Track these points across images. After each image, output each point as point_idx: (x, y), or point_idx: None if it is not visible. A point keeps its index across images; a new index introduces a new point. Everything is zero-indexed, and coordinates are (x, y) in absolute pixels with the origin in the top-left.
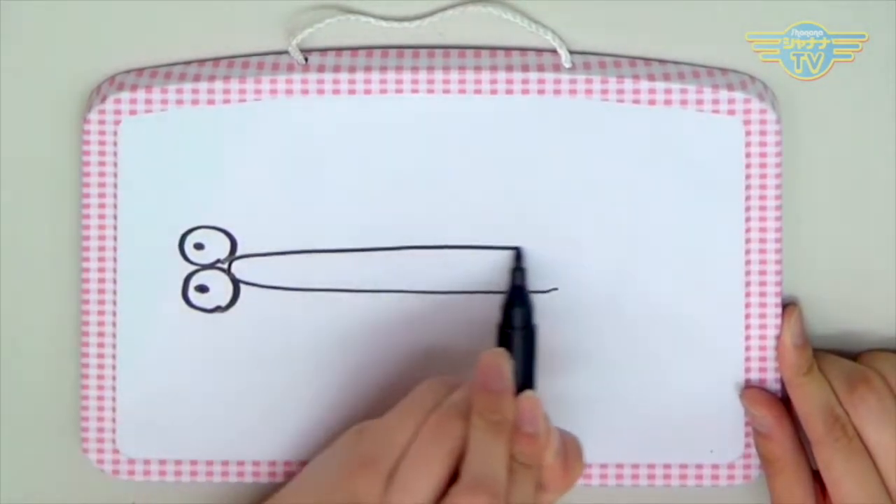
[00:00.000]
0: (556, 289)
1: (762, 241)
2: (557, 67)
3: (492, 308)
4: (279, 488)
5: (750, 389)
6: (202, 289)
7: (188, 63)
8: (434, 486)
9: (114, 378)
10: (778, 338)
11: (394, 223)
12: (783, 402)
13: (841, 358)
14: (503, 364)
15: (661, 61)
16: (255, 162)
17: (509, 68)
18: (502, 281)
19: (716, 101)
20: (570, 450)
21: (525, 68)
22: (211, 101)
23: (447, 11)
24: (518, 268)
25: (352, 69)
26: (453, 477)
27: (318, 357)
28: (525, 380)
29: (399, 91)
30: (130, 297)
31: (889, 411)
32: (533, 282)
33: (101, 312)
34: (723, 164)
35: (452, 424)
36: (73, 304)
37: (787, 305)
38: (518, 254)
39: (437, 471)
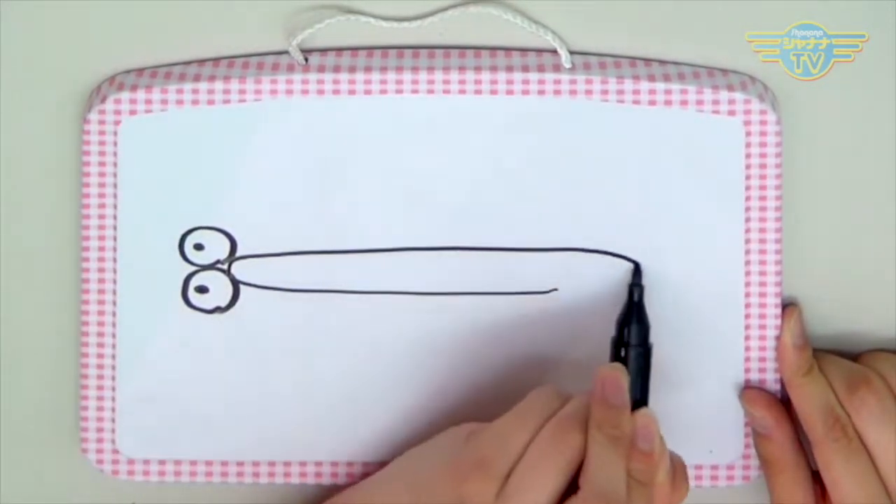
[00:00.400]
0: (555, 289)
1: (762, 241)
2: (557, 68)
3: (492, 310)
4: (279, 489)
5: (749, 390)
6: (202, 289)
7: (188, 63)
8: (551, 494)
9: (113, 378)
10: (778, 338)
11: (394, 224)
12: (783, 403)
13: (841, 358)
14: (622, 379)
15: (661, 62)
16: (255, 162)
17: (509, 69)
18: (504, 283)
19: (716, 102)
20: (678, 470)
21: (525, 69)
22: (211, 102)
23: (447, 12)
24: (636, 284)
25: (352, 69)
26: (567, 488)
27: (316, 358)
28: (639, 397)
29: (399, 91)
30: (130, 298)
31: (889, 412)
32: (532, 282)
33: (100, 313)
34: (723, 164)
35: (571, 435)
36: (73, 304)
37: (787, 306)
38: (636, 269)
39: (554, 479)
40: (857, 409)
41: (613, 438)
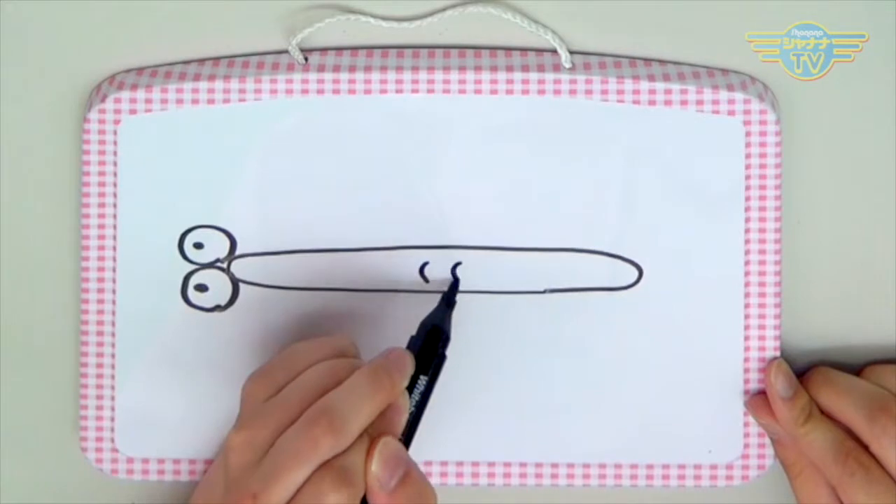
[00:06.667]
0: (551, 290)
1: (762, 241)
2: (557, 68)
3: (490, 308)
4: None
5: (754, 397)
6: (201, 288)
7: (188, 63)
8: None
9: (113, 377)
10: (772, 361)
11: (393, 223)
12: None
13: (850, 378)
14: (408, 363)
15: (662, 62)
16: (255, 161)
17: (509, 68)
18: (502, 282)
19: (716, 102)
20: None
21: (525, 68)
22: (211, 101)
23: (447, 11)
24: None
25: (352, 69)
26: None
27: None
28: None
29: (399, 91)
30: (130, 296)
31: None
32: (529, 283)
33: (100, 312)
34: (723, 164)
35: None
36: (73, 303)
37: (772, 360)
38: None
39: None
40: (878, 437)
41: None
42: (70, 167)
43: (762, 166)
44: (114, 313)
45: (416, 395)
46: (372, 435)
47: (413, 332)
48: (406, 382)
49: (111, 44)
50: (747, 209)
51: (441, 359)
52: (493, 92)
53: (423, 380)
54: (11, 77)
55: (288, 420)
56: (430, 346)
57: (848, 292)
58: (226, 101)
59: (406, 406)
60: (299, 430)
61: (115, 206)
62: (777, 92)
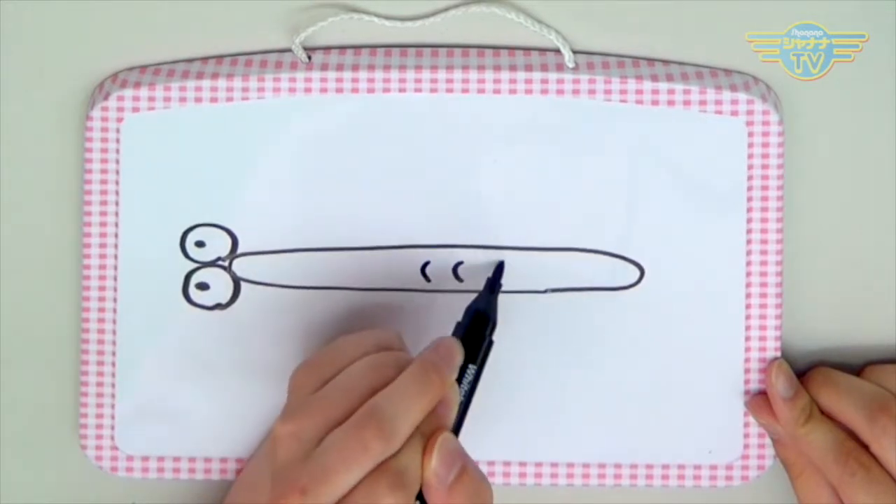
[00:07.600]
0: (553, 289)
1: (763, 241)
2: (561, 67)
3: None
4: None
5: (755, 397)
6: (203, 286)
7: (191, 61)
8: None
9: (113, 375)
10: (773, 361)
11: (395, 222)
12: None
13: (851, 379)
14: (457, 351)
15: (665, 61)
16: (257, 160)
17: (513, 68)
18: (504, 281)
19: (719, 103)
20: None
21: (528, 68)
22: (214, 100)
23: (450, 11)
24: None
25: (355, 68)
26: None
27: None
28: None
29: (402, 90)
30: (131, 295)
31: None
32: (530, 282)
33: (101, 310)
34: (725, 165)
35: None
36: (74, 301)
37: (772, 360)
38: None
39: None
40: (879, 437)
41: (421, 393)
42: (72, 165)
43: (764, 167)
44: (115, 311)
45: (466, 385)
46: (424, 431)
47: (413, 332)
48: (455, 374)
49: (114, 42)
50: (749, 209)
51: (489, 345)
52: (497, 91)
53: (471, 369)
54: (14, 75)
55: (335, 415)
56: (476, 332)
57: (848, 292)
58: (229, 99)
59: (456, 399)
60: (348, 432)
61: (117, 203)
62: (777, 92)
